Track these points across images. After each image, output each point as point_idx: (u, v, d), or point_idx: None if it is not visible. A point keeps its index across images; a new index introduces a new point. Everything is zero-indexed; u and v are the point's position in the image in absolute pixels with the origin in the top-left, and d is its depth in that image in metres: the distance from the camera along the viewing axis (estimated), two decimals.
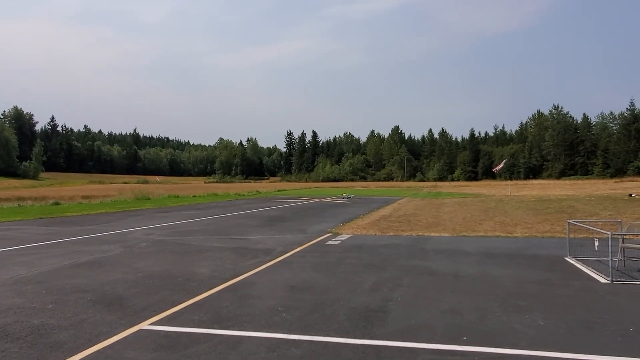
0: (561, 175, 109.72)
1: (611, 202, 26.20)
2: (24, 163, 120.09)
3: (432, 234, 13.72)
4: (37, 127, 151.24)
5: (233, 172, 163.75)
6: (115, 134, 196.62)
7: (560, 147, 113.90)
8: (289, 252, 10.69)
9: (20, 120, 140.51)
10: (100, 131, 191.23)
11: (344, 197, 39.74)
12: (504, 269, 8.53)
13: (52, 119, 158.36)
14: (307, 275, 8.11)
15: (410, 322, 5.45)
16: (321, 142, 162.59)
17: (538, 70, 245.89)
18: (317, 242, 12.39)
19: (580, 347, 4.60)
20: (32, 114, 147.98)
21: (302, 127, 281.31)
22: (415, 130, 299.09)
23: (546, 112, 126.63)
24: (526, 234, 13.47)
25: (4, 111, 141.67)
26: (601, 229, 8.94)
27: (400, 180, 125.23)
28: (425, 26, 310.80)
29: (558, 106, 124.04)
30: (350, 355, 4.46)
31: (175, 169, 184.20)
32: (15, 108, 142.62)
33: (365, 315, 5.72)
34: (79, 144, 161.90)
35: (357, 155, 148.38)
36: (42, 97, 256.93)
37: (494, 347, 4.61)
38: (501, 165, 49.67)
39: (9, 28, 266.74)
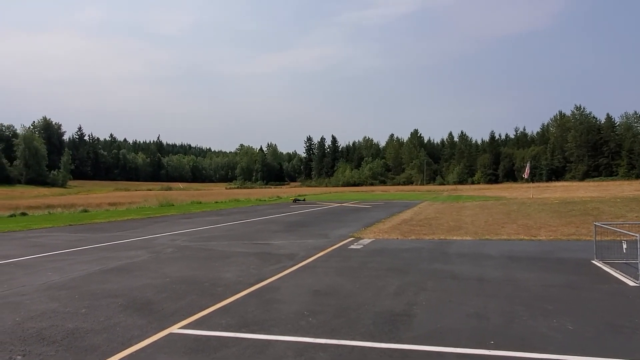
0: (585, 176, 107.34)
1: (638, 204, 25.51)
2: (53, 172, 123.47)
3: (454, 238, 13.62)
4: (65, 137, 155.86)
5: (254, 177, 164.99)
6: (139, 142, 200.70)
7: (583, 148, 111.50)
8: (312, 256, 10.77)
9: (49, 131, 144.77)
10: (125, 140, 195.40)
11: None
12: (529, 273, 8.44)
13: (80, 129, 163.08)
14: (330, 280, 8.17)
15: (435, 326, 5.46)
16: (340, 147, 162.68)
17: (559, 71, 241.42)
18: (340, 246, 12.44)
19: (610, 352, 4.55)
20: (61, 124, 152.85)
21: (321, 132, 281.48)
22: (434, 133, 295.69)
23: (568, 112, 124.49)
24: (551, 237, 13.26)
25: (34, 122, 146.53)
26: (629, 231, 8.78)
27: (420, 184, 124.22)
28: (442, 29, 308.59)
29: (580, 107, 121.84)
30: (377, 359, 4.50)
31: (197, 176, 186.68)
32: (45, 119, 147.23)
33: (390, 319, 5.75)
34: (105, 153, 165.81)
35: (377, 159, 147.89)
36: (69, 107, 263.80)
37: (523, 351, 4.59)
38: (528, 169, 48.73)
39: (37, 42, 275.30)
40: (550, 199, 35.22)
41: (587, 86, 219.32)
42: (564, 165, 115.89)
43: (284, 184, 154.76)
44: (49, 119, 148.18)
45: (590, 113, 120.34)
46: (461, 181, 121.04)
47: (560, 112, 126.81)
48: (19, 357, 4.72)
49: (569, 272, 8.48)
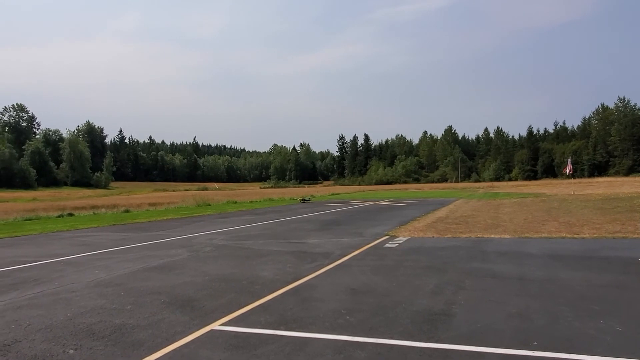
0: (630, 171, 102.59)
1: None
2: (96, 174, 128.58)
3: (492, 236, 13.33)
4: (107, 140, 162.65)
5: (287, 177, 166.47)
6: (176, 143, 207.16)
7: (628, 142, 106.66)
8: (348, 255, 10.78)
9: (92, 134, 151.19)
10: (163, 141, 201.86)
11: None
12: (572, 272, 8.17)
13: (121, 132, 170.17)
14: (367, 279, 8.16)
15: (476, 325, 5.37)
16: (373, 145, 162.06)
17: (600, 62, 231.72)
18: (375, 245, 12.40)
19: None
20: (103, 128, 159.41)
21: (353, 130, 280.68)
22: (469, 129, 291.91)
23: (611, 105, 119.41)
24: (595, 235, 12.77)
25: (78, 126, 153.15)
26: None
27: (455, 182, 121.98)
28: (476, 23, 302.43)
29: (624, 98, 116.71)
30: (417, 358, 4.48)
31: (232, 176, 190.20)
32: (88, 123, 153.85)
33: (429, 318, 5.70)
34: (144, 155, 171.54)
35: (410, 157, 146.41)
36: (111, 111, 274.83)
37: (568, 352, 4.46)
38: (570, 165, 46.96)
39: (80, 48, 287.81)
40: (593, 195, 33.89)
41: (630, 77, 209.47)
42: (607, 160, 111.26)
43: (317, 183, 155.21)
44: (92, 123, 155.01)
45: (635, 105, 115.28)
46: (498, 178, 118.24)
47: (603, 105, 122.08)
48: (72, 350, 4.95)
49: (616, 271, 8.16)
